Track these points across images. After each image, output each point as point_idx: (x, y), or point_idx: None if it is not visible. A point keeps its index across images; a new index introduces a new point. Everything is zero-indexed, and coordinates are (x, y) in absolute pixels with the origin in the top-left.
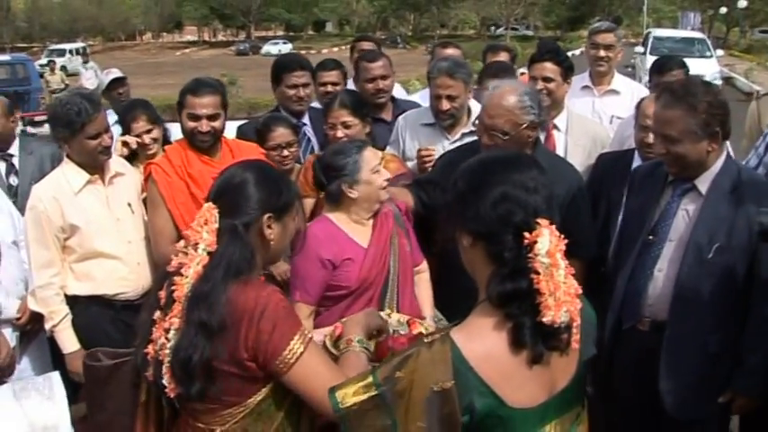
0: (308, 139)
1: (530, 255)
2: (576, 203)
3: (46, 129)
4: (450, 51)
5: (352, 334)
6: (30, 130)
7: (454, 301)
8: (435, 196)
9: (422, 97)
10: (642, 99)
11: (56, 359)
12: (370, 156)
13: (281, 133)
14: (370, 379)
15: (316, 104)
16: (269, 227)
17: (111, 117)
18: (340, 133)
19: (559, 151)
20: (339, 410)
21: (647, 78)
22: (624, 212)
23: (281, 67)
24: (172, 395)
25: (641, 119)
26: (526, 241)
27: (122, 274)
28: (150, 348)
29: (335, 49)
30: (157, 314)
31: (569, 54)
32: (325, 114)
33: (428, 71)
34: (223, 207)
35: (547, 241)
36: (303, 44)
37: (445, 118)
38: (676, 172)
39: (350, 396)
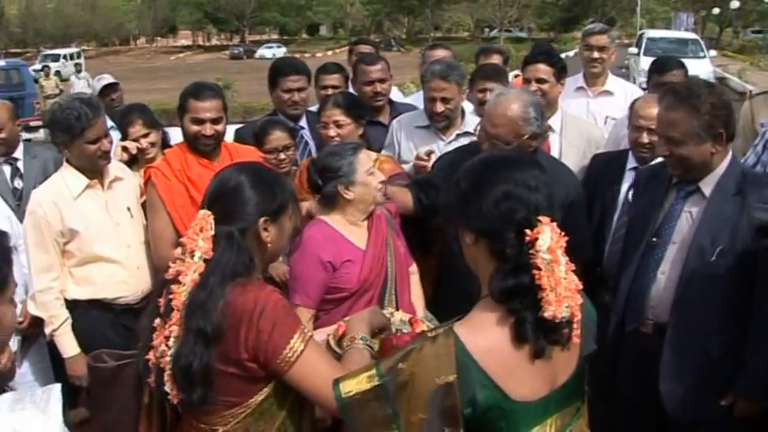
0: (306, 143)
1: (531, 251)
2: (573, 208)
3: (41, 134)
4: (440, 53)
5: (356, 332)
6: (24, 135)
7: (453, 303)
8: (434, 197)
9: (416, 100)
10: (636, 99)
11: (55, 363)
12: (365, 158)
13: (278, 137)
14: (374, 370)
15: (315, 108)
16: (265, 230)
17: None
18: (332, 132)
19: (554, 152)
20: (341, 400)
21: (641, 79)
22: (629, 214)
23: (277, 71)
24: (175, 401)
25: (635, 119)
26: (528, 238)
27: (122, 278)
28: (151, 355)
29: (329, 52)
30: (157, 321)
31: (563, 55)
32: (319, 114)
33: (421, 74)
34: (218, 213)
35: (548, 238)
36: (297, 48)
37: (440, 120)
38: (680, 174)
39: (353, 386)
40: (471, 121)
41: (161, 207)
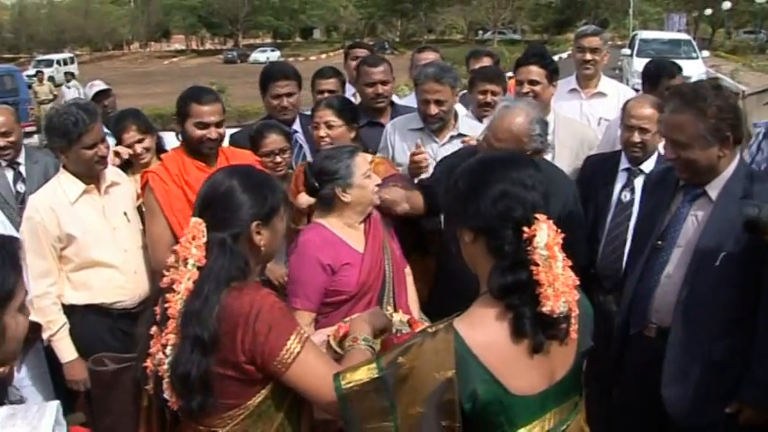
0: (300, 146)
1: (529, 248)
2: (571, 216)
3: (35, 140)
4: (429, 56)
5: (359, 333)
6: None
7: (450, 304)
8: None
9: (410, 102)
10: (628, 100)
11: (52, 368)
12: (362, 161)
13: (273, 140)
14: (374, 364)
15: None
16: (258, 233)
17: None
18: (322, 132)
19: (547, 154)
20: (340, 390)
21: (634, 80)
22: (636, 217)
23: (267, 77)
24: (174, 408)
25: (626, 119)
26: (525, 235)
27: (119, 282)
28: (149, 362)
29: (323, 56)
30: (154, 329)
31: (556, 57)
32: (312, 115)
33: (414, 77)
34: (210, 220)
35: (545, 235)
36: (291, 51)
37: (434, 122)
38: (687, 177)
39: (353, 378)
40: (465, 124)
41: (159, 211)
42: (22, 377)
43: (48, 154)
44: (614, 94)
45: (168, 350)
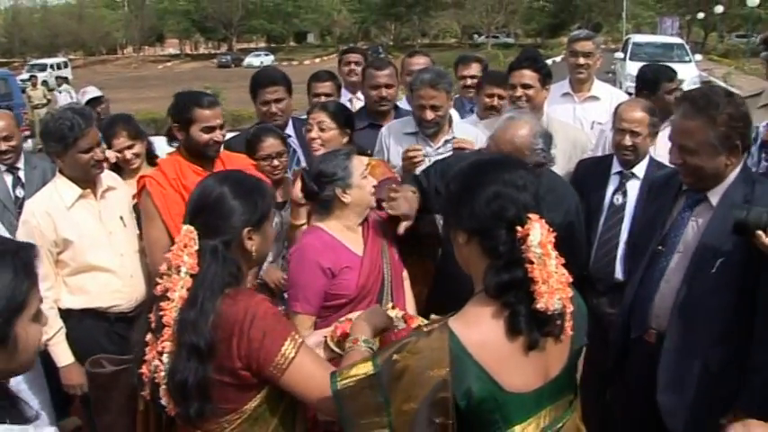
0: (294, 151)
1: (523, 246)
2: (572, 226)
3: (29, 144)
4: (420, 60)
5: (359, 334)
6: None
7: (449, 306)
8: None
9: (403, 105)
10: (620, 103)
11: (48, 372)
12: (358, 162)
13: (271, 143)
14: (370, 361)
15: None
16: (249, 239)
17: None
18: (314, 133)
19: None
20: (335, 385)
21: (627, 84)
22: (638, 221)
23: (255, 83)
24: (171, 413)
25: (618, 122)
26: (519, 234)
27: (116, 286)
28: (145, 369)
29: (317, 59)
30: (149, 336)
31: (550, 61)
32: (306, 118)
33: (411, 82)
34: (202, 227)
35: (538, 233)
36: (285, 56)
37: (430, 126)
38: (691, 183)
39: (349, 375)
40: (459, 128)
41: (156, 215)
42: (18, 381)
43: (45, 159)
44: (607, 98)
45: (165, 357)
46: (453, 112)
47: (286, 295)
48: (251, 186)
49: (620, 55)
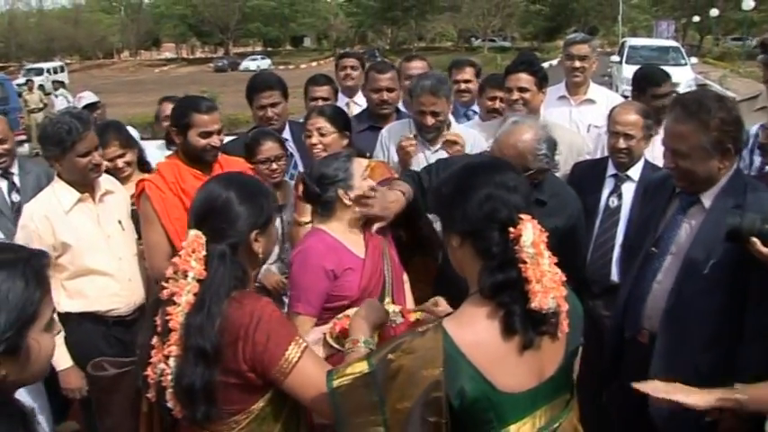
0: (291, 154)
1: (516, 247)
2: (574, 232)
3: (26, 148)
4: (417, 64)
5: (359, 334)
6: None
7: (452, 307)
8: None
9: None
10: (614, 107)
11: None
12: (359, 164)
13: (269, 147)
14: (365, 360)
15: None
16: (256, 241)
17: None
18: (314, 139)
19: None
20: (331, 383)
21: (623, 87)
22: (634, 222)
23: (251, 88)
24: (178, 416)
25: (612, 125)
26: (511, 235)
27: (114, 290)
28: (150, 372)
29: (314, 63)
30: (155, 340)
31: (546, 64)
32: (305, 123)
33: (410, 88)
34: (209, 232)
35: (530, 233)
36: (281, 59)
37: (430, 131)
38: (684, 186)
39: (344, 374)
40: (456, 130)
41: (155, 219)
42: None
43: (39, 164)
44: (603, 102)
45: (171, 361)
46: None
47: (285, 298)
48: (256, 189)
49: (616, 58)
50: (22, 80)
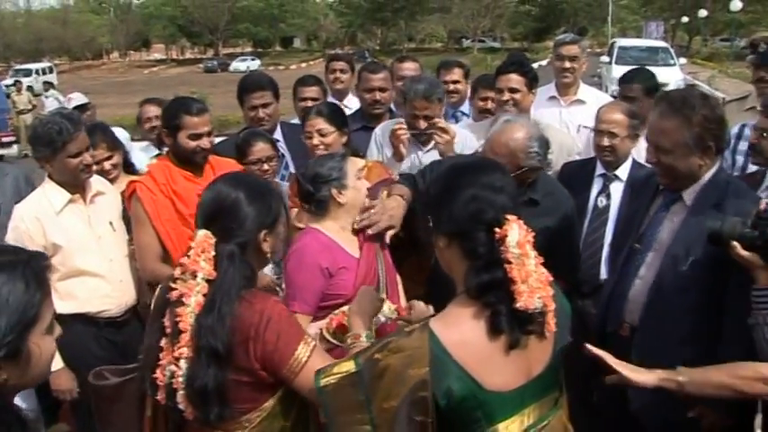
0: (282, 155)
1: (502, 247)
2: (567, 232)
3: (14, 149)
4: (409, 65)
5: (359, 329)
6: None
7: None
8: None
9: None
10: (601, 106)
11: None
12: (353, 164)
13: (261, 148)
14: (353, 360)
15: (295, 120)
16: (265, 241)
17: None
18: (316, 141)
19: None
20: (318, 381)
21: (613, 87)
22: (617, 220)
23: (242, 88)
24: (190, 418)
25: (597, 124)
26: (497, 236)
27: (105, 291)
28: (159, 374)
29: (304, 64)
30: (164, 342)
31: (536, 65)
32: (303, 124)
33: (403, 91)
34: (218, 232)
35: (516, 234)
36: (271, 60)
37: (422, 135)
38: (667, 183)
39: (332, 373)
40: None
41: (146, 221)
42: None
43: (17, 166)
44: (593, 102)
45: (182, 363)
46: None
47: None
48: (264, 189)
49: (605, 59)
50: (10, 81)
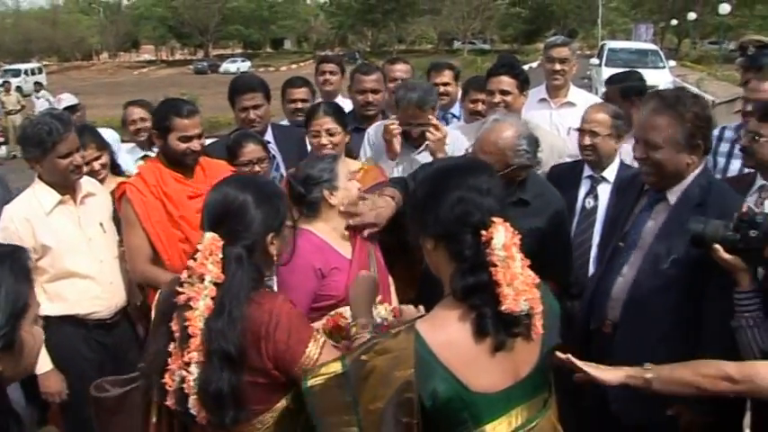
0: (273, 157)
1: (487, 250)
2: (558, 233)
3: (3, 151)
4: (400, 67)
5: (365, 317)
6: None
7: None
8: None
9: None
10: (588, 107)
11: (23, 380)
12: (344, 165)
13: (252, 149)
14: (340, 361)
15: (284, 122)
16: (272, 244)
17: None
18: (324, 140)
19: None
20: (306, 382)
21: (603, 89)
22: (605, 218)
23: (233, 90)
24: (203, 422)
25: (581, 123)
26: (483, 238)
27: (95, 293)
28: (168, 379)
29: (294, 65)
30: (172, 347)
31: (526, 67)
32: (308, 123)
33: (397, 99)
34: (225, 235)
35: (502, 236)
36: (262, 62)
37: (416, 138)
38: (653, 181)
39: (319, 374)
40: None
41: (137, 223)
42: None
43: None
44: (583, 105)
45: (193, 368)
46: None
47: None
48: (271, 191)
49: (595, 61)
50: None
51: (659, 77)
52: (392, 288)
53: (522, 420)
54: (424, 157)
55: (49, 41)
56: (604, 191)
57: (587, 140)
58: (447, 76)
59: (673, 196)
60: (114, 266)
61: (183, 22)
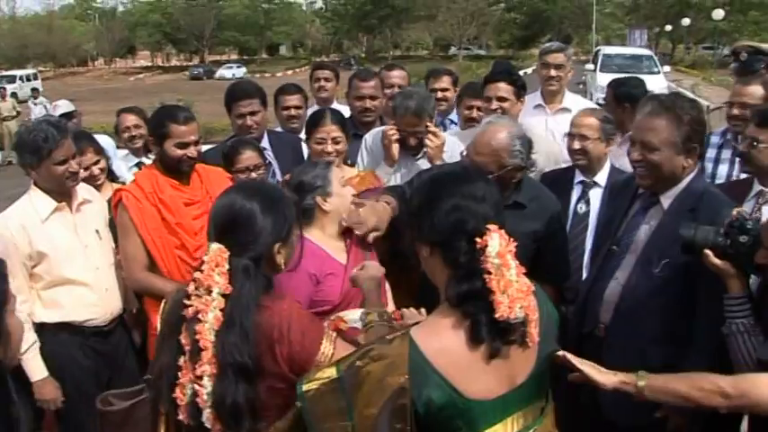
0: (269, 163)
1: (482, 257)
2: (555, 236)
3: None
4: (397, 74)
5: (380, 308)
6: None
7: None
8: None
9: None
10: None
11: (18, 388)
12: (337, 171)
13: (248, 156)
14: (335, 367)
15: (278, 128)
16: (279, 253)
17: None
18: (330, 148)
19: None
20: (300, 387)
21: (598, 95)
22: (598, 222)
23: (230, 96)
24: None
25: (570, 128)
26: (478, 245)
27: (91, 300)
28: (179, 393)
29: (290, 72)
30: (182, 360)
31: (521, 72)
32: (314, 129)
33: (393, 106)
34: (232, 245)
35: (497, 244)
36: (257, 68)
37: (412, 146)
38: (648, 184)
39: (313, 379)
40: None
41: (132, 230)
42: None
43: None
44: (578, 110)
45: (205, 381)
46: None
47: None
48: (278, 198)
49: (590, 66)
50: None
51: (654, 82)
52: (389, 294)
53: (519, 428)
54: (423, 164)
55: (44, 47)
56: (596, 196)
57: (577, 144)
58: (445, 81)
59: (666, 201)
60: (110, 274)
61: (179, 28)
